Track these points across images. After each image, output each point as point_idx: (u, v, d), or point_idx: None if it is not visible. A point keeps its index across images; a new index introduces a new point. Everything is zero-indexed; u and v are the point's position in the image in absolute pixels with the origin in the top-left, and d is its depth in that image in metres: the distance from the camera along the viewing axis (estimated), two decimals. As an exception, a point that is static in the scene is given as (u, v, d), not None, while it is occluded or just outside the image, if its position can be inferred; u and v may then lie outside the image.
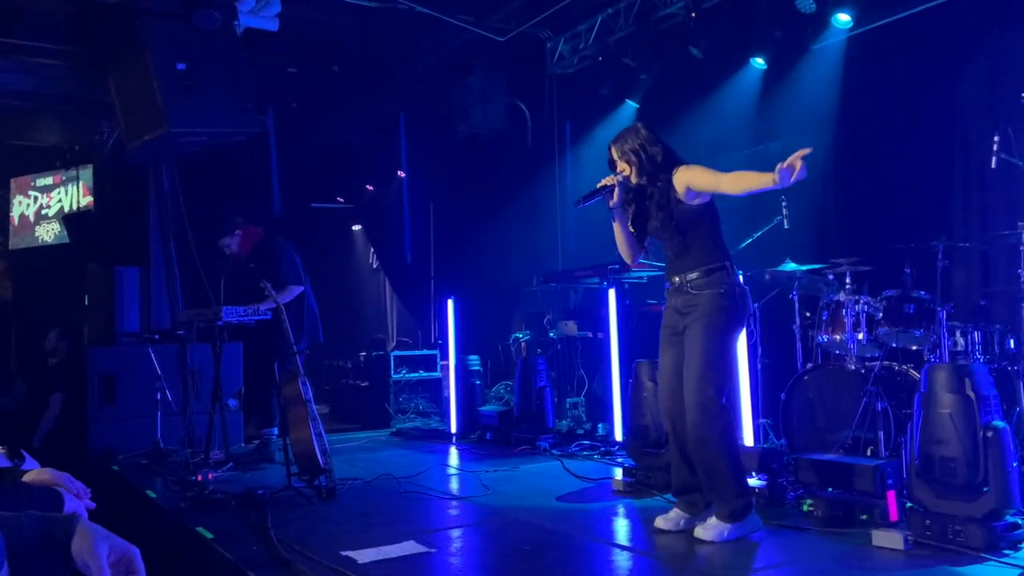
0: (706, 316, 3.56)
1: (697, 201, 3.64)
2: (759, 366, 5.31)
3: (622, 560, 3.32)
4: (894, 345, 4.66)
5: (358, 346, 10.43)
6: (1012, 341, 4.47)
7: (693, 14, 6.68)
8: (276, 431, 5.95)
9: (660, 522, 3.68)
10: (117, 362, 6.73)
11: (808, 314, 5.25)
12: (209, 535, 3.72)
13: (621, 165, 3.74)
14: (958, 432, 3.23)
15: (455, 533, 3.82)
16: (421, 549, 3.44)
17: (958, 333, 4.47)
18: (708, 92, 6.98)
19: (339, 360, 10.04)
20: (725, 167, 3.58)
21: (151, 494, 4.82)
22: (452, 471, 5.62)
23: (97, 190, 10.08)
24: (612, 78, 7.60)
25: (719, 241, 3.69)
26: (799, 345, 5.26)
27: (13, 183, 11.29)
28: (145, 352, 6.39)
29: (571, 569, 3.23)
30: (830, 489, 3.74)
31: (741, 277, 3.85)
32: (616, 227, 3.84)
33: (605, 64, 7.65)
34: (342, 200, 12.29)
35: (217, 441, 5.64)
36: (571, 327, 6.91)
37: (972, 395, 3.24)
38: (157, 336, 6.63)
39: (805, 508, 3.80)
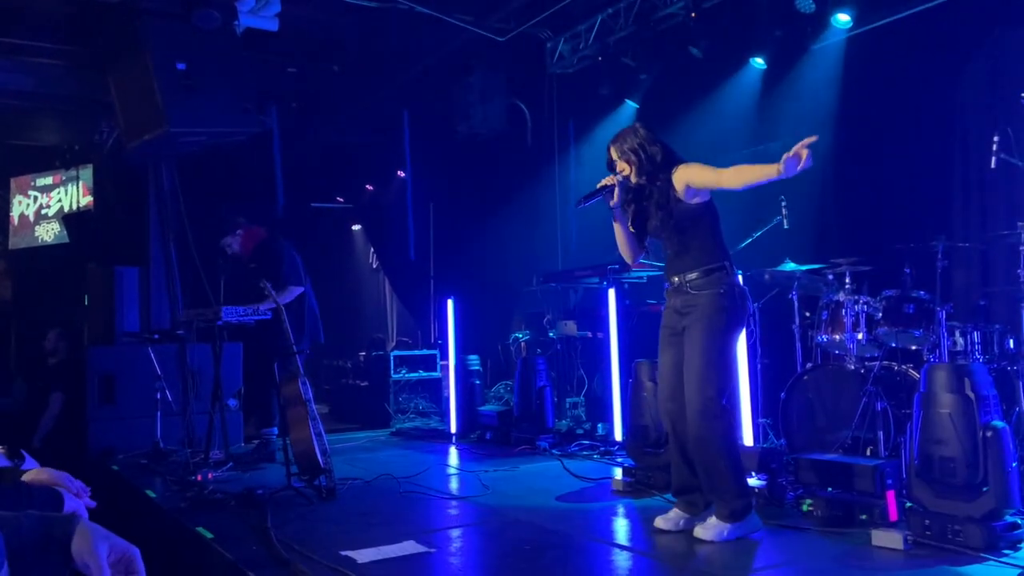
0: (706, 317, 3.56)
1: (697, 200, 3.64)
2: (759, 366, 5.31)
3: (622, 560, 3.32)
4: (894, 345, 4.66)
5: (358, 346, 10.43)
6: (1012, 341, 4.47)
7: (693, 14, 6.68)
8: (276, 431, 5.95)
9: (660, 522, 3.68)
10: (117, 362, 6.73)
11: (808, 314, 5.24)
12: (209, 535, 3.72)
13: (621, 165, 3.74)
14: (958, 432, 3.24)
15: (455, 533, 3.82)
16: (421, 549, 3.44)
17: (958, 333, 4.47)
18: (708, 92, 6.98)
19: (339, 360, 10.04)
20: (725, 167, 3.58)
21: (151, 494, 4.82)
22: (452, 471, 5.62)
23: (97, 190, 10.09)
24: (612, 78, 7.60)
25: (719, 241, 3.69)
26: (799, 345, 5.26)
27: (13, 183, 11.29)
28: (145, 352, 6.39)
29: (571, 569, 3.23)
30: (830, 489, 3.74)
31: (741, 277, 3.85)
32: (617, 227, 3.84)
33: (605, 64, 7.65)
34: (342, 200, 12.29)
35: (217, 441, 5.64)
36: (571, 327, 6.91)
37: (971, 395, 3.24)
38: (157, 336, 6.63)
39: (805, 508, 3.80)
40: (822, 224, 6.09)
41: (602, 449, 5.88)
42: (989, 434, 3.17)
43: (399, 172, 10.54)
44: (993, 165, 4.33)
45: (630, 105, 7.59)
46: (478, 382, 7.66)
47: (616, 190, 3.73)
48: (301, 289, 6.12)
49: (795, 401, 4.82)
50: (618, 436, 5.79)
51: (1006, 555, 3.09)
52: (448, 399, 7.36)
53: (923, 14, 5.55)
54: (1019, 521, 3.22)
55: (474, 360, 7.69)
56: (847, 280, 4.80)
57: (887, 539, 3.26)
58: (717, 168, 3.55)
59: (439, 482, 5.08)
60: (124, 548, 1.44)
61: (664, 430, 4.00)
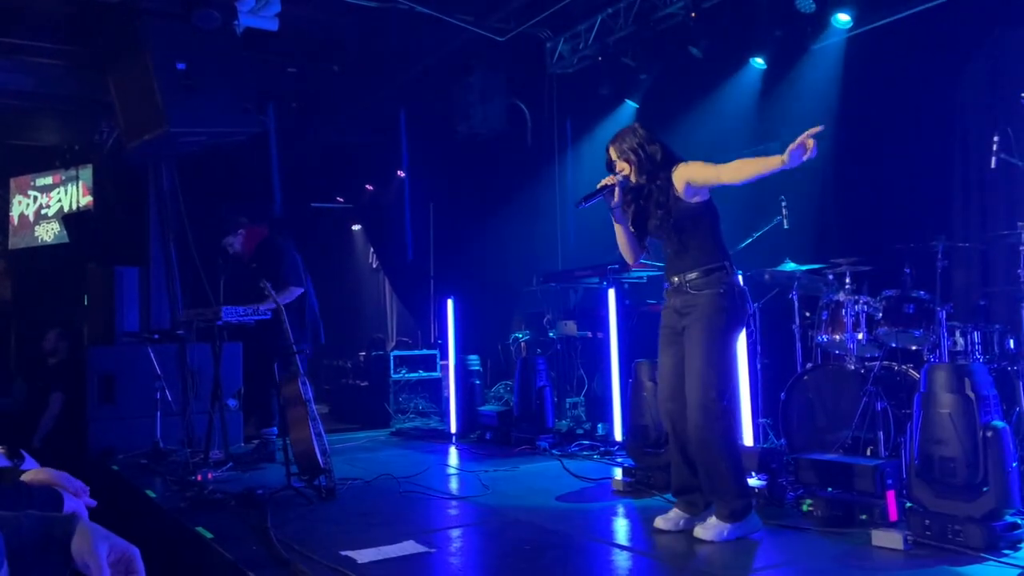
0: (706, 317, 3.55)
1: (697, 199, 3.63)
2: (759, 366, 5.31)
3: (622, 560, 3.32)
4: (894, 345, 4.66)
5: (358, 346, 10.43)
6: (1012, 341, 4.47)
7: (693, 14, 6.68)
8: (275, 431, 5.95)
9: (660, 522, 3.68)
10: (117, 362, 6.73)
11: (808, 314, 5.24)
12: (209, 535, 3.72)
13: (620, 165, 3.74)
14: (958, 432, 3.23)
15: (455, 533, 3.82)
16: (421, 549, 3.44)
17: (958, 333, 4.47)
18: (708, 92, 6.98)
19: (339, 360, 10.04)
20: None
21: (151, 494, 4.82)
22: (452, 471, 5.62)
23: (97, 190, 10.09)
24: (612, 78, 7.60)
25: (718, 240, 3.68)
26: (799, 345, 5.26)
27: (13, 183, 11.29)
28: (145, 352, 6.39)
29: (571, 569, 3.23)
30: (830, 489, 3.74)
31: (741, 277, 3.85)
32: (617, 227, 3.84)
33: (605, 64, 7.65)
34: (342, 200, 12.29)
35: (217, 441, 5.64)
36: (571, 327, 6.91)
37: (972, 395, 3.24)
38: (157, 336, 6.63)
39: (805, 508, 3.80)
40: (822, 224, 6.09)
41: (602, 449, 5.88)
42: (989, 434, 3.17)
43: (399, 172, 10.55)
44: (993, 165, 4.33)
45: (630, 105, 7.59)
46: (478, 382, 7.66)
47: (616, 190, 3.72)
48: (301, 290, 6.12)
49: (795, 401, 4.82)
50: (618, 436, 5.79)
51: (1006, 555, 3.09)
52: (448, 399, 7.36)
53: (923, 14, 5.55)
54: (1019, 521, 3.22)
55: (474, 360, 7.69)
56: (847, 280, 4.80)
57: (887, 539, 3.26)
58: (717, 164, 3.55)
59: (439, 482, 5.08)
60: (124, 548, 1.44)
61: (664, 430, 4.00)
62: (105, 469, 5.84)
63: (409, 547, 3.46)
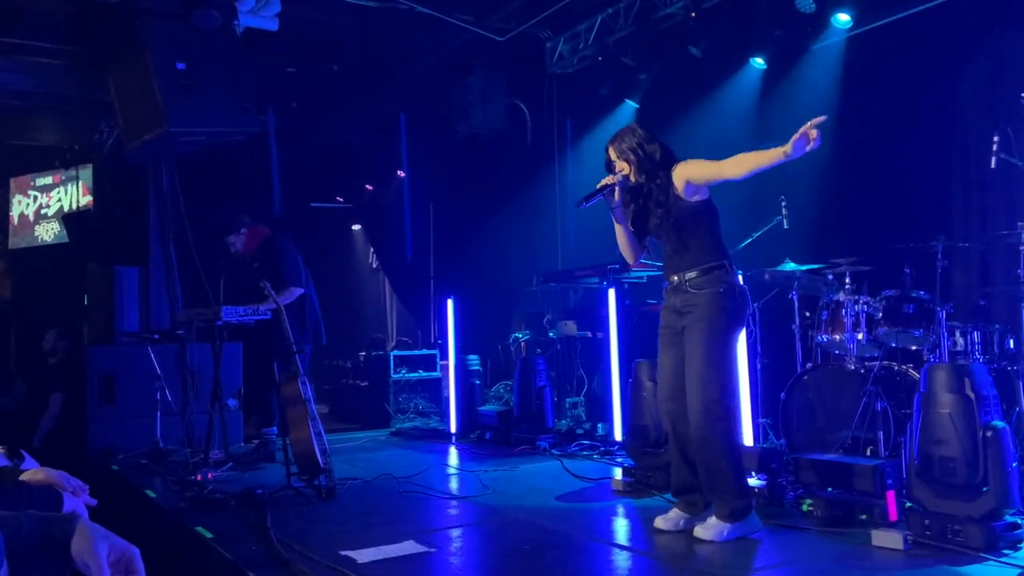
0: (706, 318, 3.55)
1: (696, 197, 3.63)
2: (759, 366, 5.31)
3: (621, 560, 3.32)
4: (894, 345, 4.66)
5: (358, 346, 10.43)
6: (1011, 341, 4.47)
7: (693, 14, 6.68)
8: (275, 431, 5.95)
9: (659, 522, 3.68)
10: (117, 362, 6.73)
11: (808, 314, 5.25)
12: (208, 535, 3.72)
13: (619, 164, 3.74)
14: (957, 432, 3.23)
15: (455, 533, 3.82)
16: (420, 549, 3.44)
17: (958, 333, 4.47)
18: (708, 92, 6.98)
19: (339, 360, 10.04)
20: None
21: (150, 494, 4.82)
22: (452, 471, 5.62)
23: (96, 190, 10.09)
24: (612, 78, 7.60)
25: (718, 239, 3.68)
26: (799, 345, 5.26)
27: (13, 183, 11.30)
28: (145, 352, 6.39)
29: (570, 569, 3.23)
30: (830, 489, 3.74)
31: (740, 277, 3.85)
32: (617, 227, 3.84)
33: (605, 64, 7.65)
34: (342, 200, 12.29)
35: (216, 441, 5.64)
36: (571, 327, 6.91)
37: (972, 395, 3.24)
38: (157, 336, 6.63)
39: (805, 508, 3.80)
40: (822, 224, 6.09)
41: (602, 449, 5.88)
42: (989, 434, 3.17)
43: (399, 172, 10.54)
44: (993, 165, 4.33)
45: (630, 105, 7.59)
46: (478, 382, 7.66)
47: (616, 189, 3.73)
48: (301, 291, 6.12)
49: (795, 401, 4.82)
50: (618, 436, 5.79)
51: (1006, 555, 3.09)
52: (448, 399, 7.36)
53: (923, 14, 5.55)
54: (1019, 521, 3.22)
55: (474, 360, 7.69)
56: (847, 280, 4.80)
57: (887, 539, 3.26)
58: (716, 161, 3.55)
59: (439, 482, 5.08)
60: (124, 548, 1.44)
61: (664, 430, 4.00)
62: (105, 469, 5.84)
63: (409, 547, 3.46)
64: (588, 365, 7.02)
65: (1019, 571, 2.92)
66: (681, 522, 3.63)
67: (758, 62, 6.61)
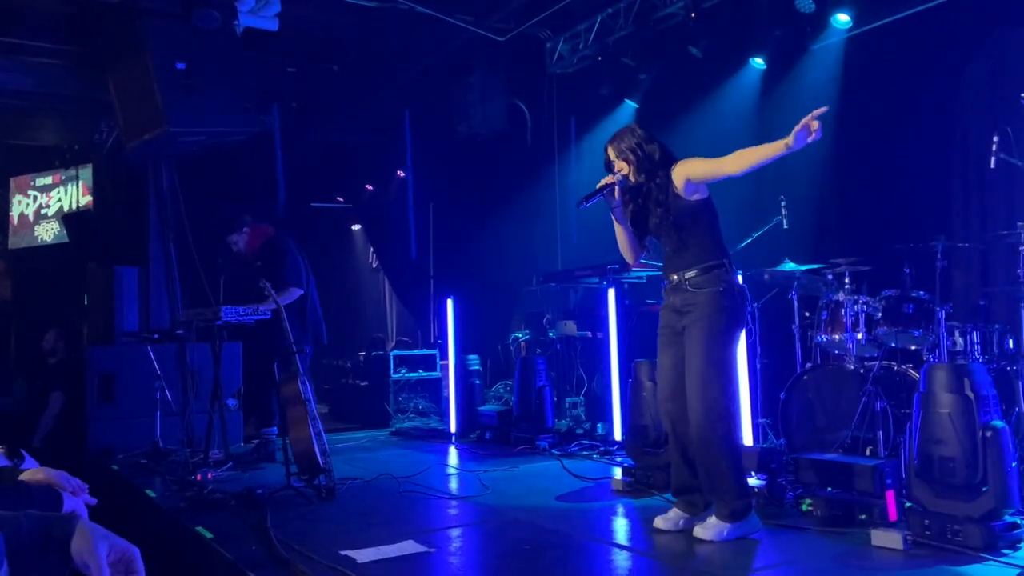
0: (706, 317, 3.55)
1: (696, 196, 3.63)
2: (758, 366, 5.31)
3: (621, 560, 3.32)
4: (893, 345, 4.66)
5: (358, 346, 10.44)
6: (1011, 341, 4.47)
7: (693, 14, 6.68)
8: (275, 430, 5.95)
9: (659, 522, 3.68)
10: (116, 361, 6.74)
11: (807, 314, 5.25)
12: (208, 535, 3.72)
13: (619, 164, 3.74)
14: (957, 432, 3.24)
15: (454, 533, 3.82)
16: (420, 549, 3.44)
17: (957, 333, 4.47)
18: (708, 92, 6.98)
19: (339, 360, 10.04)
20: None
21: (150, 493, 4.82)
22: (451, 471, 5.62)
23: (96, 190, 10.09)
24: (612, 78, 7.60)
25: (718, 239, 3.68)
26: (798, 345, 5.26)
27: (12, 182, 11.30)
28: (144, 351, 6.39)
29: (570, 569, 3.23)
30: (829, 489, 3.74)
31: (740, 277, 3.85)
32: (617, 227, 3.84)
33: (605, 64, 7.65)
34: (342, 200, 12.29)
35: (216, 441, 5.64)
36: (570, 327, 6.91)
37: (971, 395, 3.24)
38: (156, 336, 6.63)
39: (804, 508, 3.80)
40: (822, 224, 6.09)
41: (602, 449, 5.88)
42: (989, 434, 3.17)
43: (399, 172, 10.54)
44: (993, 165, 4.33)
45: (630, 105, 7.59)
46: (478, 382, 7.66)
47: (615, 189, 3.73)
48: (301, 291, 6.11)
49: (795, 401, 4.82)
50: (618, 436, 5.79)
51: (1005, 555, 3.09)
52: (448, 399, 7.36)
53: (923, 14, 5.55)
54: (1018, 521, 3.22)
55: (474, 360, 7.69)
56: (847, 280, 4.80)
57: (887, 539, 3.27)
58: (716, 158, 3.55)
59: (439, 482, 5.08)
60: (124, 548, 1.44)
61: (664, 430, 4.00)
62: (105, 469, 5.85)
63: (409, 547, 3.46)
64: (588, 365, 7.02)
65: (1019, 571, 2.92)
66: (681, 522, 3.64)
67: (758, 62, 6.61)
